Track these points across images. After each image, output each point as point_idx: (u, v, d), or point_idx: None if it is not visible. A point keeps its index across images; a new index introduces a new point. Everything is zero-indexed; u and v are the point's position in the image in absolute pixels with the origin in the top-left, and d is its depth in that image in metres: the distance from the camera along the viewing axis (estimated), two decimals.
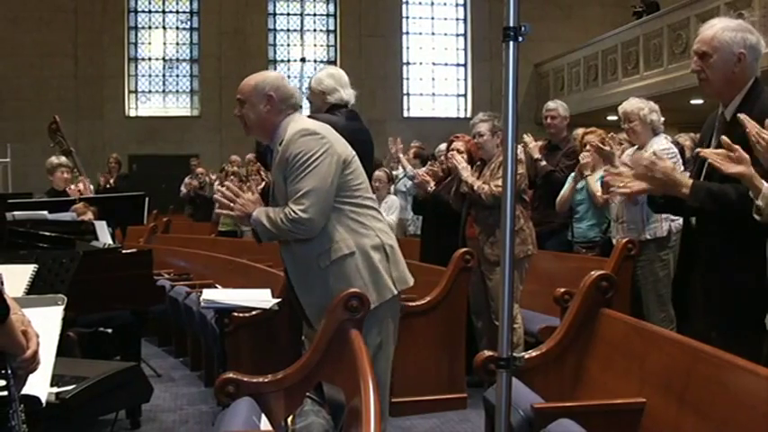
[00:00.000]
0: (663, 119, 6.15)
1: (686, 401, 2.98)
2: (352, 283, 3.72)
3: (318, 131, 3.86)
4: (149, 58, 22.11)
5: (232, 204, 3.91)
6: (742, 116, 3.16)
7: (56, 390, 3.86)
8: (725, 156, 3.08)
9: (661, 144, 5.87)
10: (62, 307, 2.67)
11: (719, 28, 3.57)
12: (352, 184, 3.88)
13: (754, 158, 3.08)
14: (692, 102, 14.52)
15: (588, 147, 6.77)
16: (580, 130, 7.45)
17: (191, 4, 22.16)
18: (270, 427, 3.17)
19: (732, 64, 3.53)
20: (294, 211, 3.71)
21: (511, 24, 2.60)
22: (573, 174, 6.99)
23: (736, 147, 3.07)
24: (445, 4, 23.24)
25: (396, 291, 3.90)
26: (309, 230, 3.76)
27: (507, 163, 2.68)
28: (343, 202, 3.84)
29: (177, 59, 22.24)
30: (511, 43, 2.60)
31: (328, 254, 3.80)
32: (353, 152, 3.98)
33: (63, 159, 8.26)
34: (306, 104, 4.01)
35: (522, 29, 2.59)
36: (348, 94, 5.19)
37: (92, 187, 8.35)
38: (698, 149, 3.40)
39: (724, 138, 3.11)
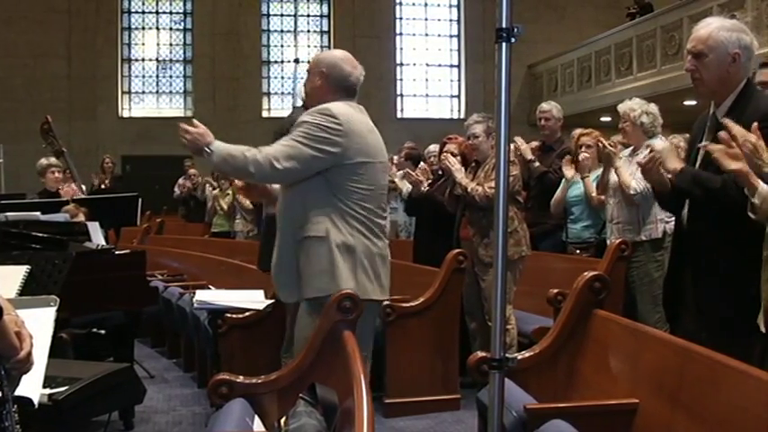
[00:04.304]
0: (661, 121, 6.12)
1: (679, 402, 2.98)
2: (311, 265, 3.94)
3: (339, 118, 3.95)
4: (143, 59, 22.06)
5: (187, 135, 3.94)
6: (727, 120, 3.16)
7: (48, 391, 3.86)
8: (724, 151, 3.09)
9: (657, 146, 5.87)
10: (55, 308, 2.67)
11: (715, 27, 3.57)
12: (350, 186, 3.97)
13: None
14: (686, 103, 14.52)
15: (585, 148, 6.78)
16: (577, 131, 7.45)
17: (184, 5, 22.12)
18: (263, 429, 3.17)
19: (727, 64, 3.54)
20: (271, 159, 3.86)
21: (504, 26, 2.60)
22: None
23: (734, 143, 3.07)
24: (439, 5, 23.23)
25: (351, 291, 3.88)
26: (266, 178, 4.06)
27: (500, 164, 2.68)
28: (337, 197, 3.96)
29: (171, 60, 22.20)
30: (504, 44, 2.61)
31: (305, 229, 3.97)
32: (374, 160, 4.07)
33: (53, 160, 8.26)
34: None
35: (515, 30, 2.59)
36: None
37: (83, 187, 8.33)
38: (703, 143, 3.38)
39: (722, 133, 3.10)
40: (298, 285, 4.02)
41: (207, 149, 3.89)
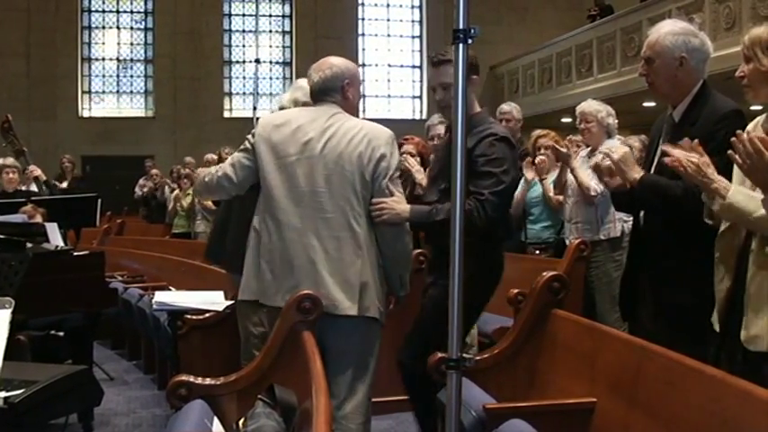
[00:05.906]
0: (617, 122, 6.23)
1: (636, 401, 3.02)
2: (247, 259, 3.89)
3: (259, 125, 4.00)
4: (103, 59, 21.90)
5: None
6: (666, 147, 3.19)
7: (4, 394, 3.80)
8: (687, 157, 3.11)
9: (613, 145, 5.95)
10: (9, 310, 2.64)
11: (663, 33, 3.62)
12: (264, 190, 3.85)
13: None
14: (645, 104, 14.67)
15: (543, 150, 6.81)
16: (535, 133, 7.48)
17: (145, 3, 21.98)
18: (222, 430, 3.16)
19: (674, 68, 3.58)
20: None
21: (461, 27, 2.61)
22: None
23: (696, 147, 3.09)
24: (401, 6, 23.30)
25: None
26: (212, 188, 4.02)
27: (456, 165, 2.68)
28: (264, 197, 3.88)
29: (131, 60, 22.05)
30: (460, 45, 2.61)
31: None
32: (289, 157, 3.87)
33: (10, 161, 8.17)
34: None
35: (472, 31, 2.60)
36: (286, 100, 5.17)
37: (43, 187, 8.23)
38: (664, 146, 3.39)
39: (686, 140, 3.13)
40: None
41: None
